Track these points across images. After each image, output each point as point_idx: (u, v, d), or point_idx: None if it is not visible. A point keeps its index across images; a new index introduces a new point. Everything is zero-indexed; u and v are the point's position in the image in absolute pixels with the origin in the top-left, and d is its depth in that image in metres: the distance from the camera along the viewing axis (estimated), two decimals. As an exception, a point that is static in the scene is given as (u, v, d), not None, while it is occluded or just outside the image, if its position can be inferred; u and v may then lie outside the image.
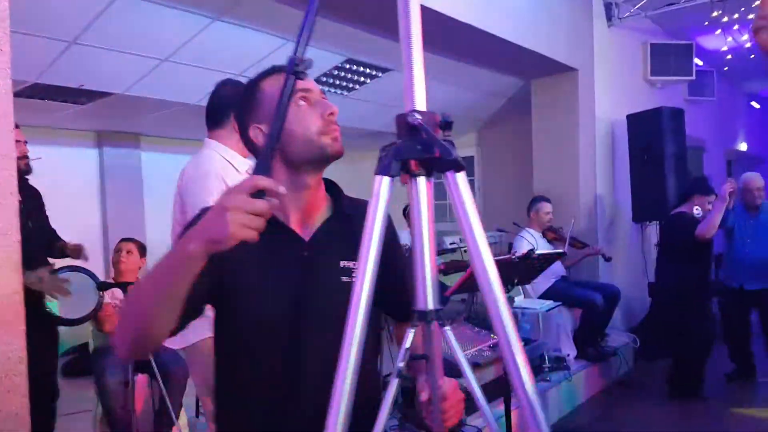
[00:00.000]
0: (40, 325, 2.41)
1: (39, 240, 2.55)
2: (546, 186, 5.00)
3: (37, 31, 3.02)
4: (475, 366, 3.08)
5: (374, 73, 4.63)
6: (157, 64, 3.73)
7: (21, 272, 1.70)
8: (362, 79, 4.68)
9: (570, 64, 4.68)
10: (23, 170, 2.47)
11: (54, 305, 2.45)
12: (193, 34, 3.45)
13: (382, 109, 5.49)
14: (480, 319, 4.30)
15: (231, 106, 1.85)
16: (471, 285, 2.65)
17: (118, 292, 2.72)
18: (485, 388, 2.90)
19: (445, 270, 5.37)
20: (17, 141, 2.46)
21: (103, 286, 2.53)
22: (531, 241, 4.13)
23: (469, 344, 3.34)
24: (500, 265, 2.55)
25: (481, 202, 7.27)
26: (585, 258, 4.53)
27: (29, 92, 3.79)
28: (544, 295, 4.29)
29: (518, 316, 4.06)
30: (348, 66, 4.38)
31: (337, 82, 4.63)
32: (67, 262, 2.63)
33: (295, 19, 3.30)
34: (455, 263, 5.13)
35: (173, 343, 1.94)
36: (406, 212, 5.73)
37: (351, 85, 4.75)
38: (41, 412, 2.46)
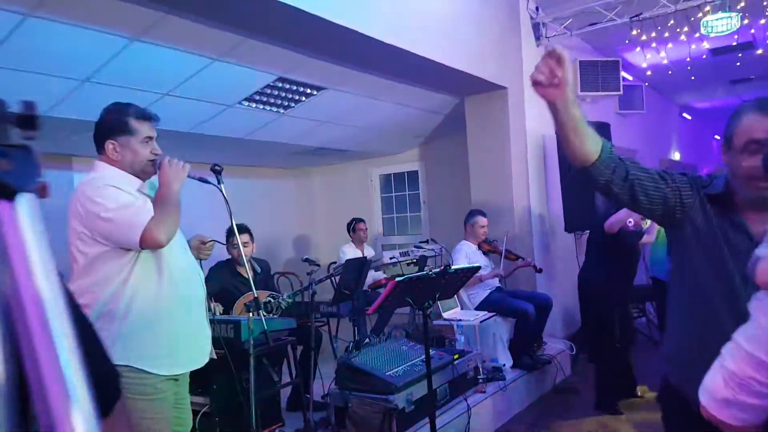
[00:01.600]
0: None
1: None
2: (482, 199, 5.11)
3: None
4: (408, 383, 3.09)
5: (309, 91, 4.65)
6: (78, 84, 3.64)
7: None
8: (297, 97, 4.69)
9: (499, 82, 4.82)
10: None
11: None
12: (112, 54, 3.39)
13: (321, 125, 5.51)
14: (419, 334, 4.34)
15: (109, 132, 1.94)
16: (395, 299, 2.67)
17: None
18: (416, 403, 2.90)
19: (385, 284, 5.41)
20: None
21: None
22: (468, 253, 4.21)
23: (403, 360, 3.35)
24: (420, 281, 2.61)
25: (426, 215, 7.35)
26: (518, 269, 4.64)
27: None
28: (481, 306, 4.36)
29: (454, 327, 4.11)
30: (281, 84, 4.38)
31: (272, 101, 4.62)
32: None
33: (221, 40, 3.28)
34: (395, 277, 5.16)
35: None
36: (352, 227, 5.75)
37: (286, 103, 4.75)
38: None
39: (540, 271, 4.65)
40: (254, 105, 4.63)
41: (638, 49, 5.58)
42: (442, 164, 7.00)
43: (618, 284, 3.95)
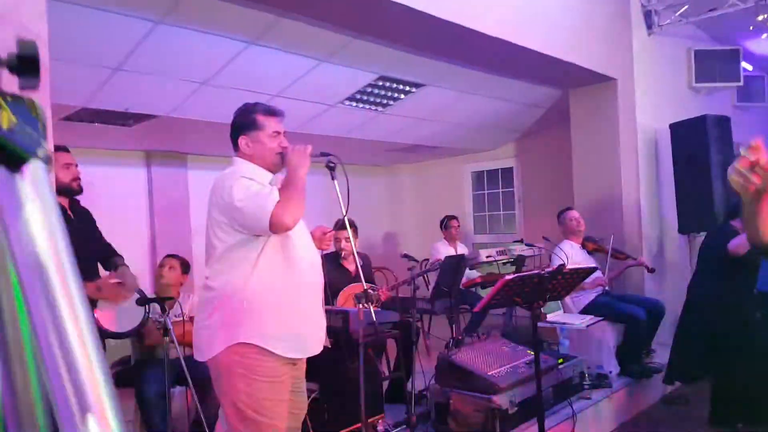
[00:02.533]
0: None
1: (92, 258, 2.69)
2: (587, 197, 4.89)
3: (83, 59, 3.20)
4: (510, 384, 3.03)
5: (408, 89, 4.67)
6: (197, 87, 3.89)
7: None
8: (396, 95, 4.73)
9: (608, 73, 4.59)
10: (75, 191, 2.62)
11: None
12: (229, 58, 3.58)
13: (418, 122, 5.52)
14: (518, 335, 4.24)
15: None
16: (503, 299, 2.62)
17: (157, 307, 2.82)
18: (520, 406, 2.84)
19: (482, 283, 5.33)
20: (68, 164, 2.62)
21: (142, 301, 2.63)
22: (569, 253, 4.04)
23: (505, 360, 3.28)
24: (530, 280, 2.54)
25: (521, 214, 7.16)
26: (627, 269, 4.39)
27: (78, 116, 4.00)
28: (586, 310, 4.18)
29: (557, 331, 3.97)
30: (381, 83, 4.43)
31: (372, 99, 4.69)
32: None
33: (328, 41, 3.38)
34: (492, 277, 5.08)
35: (200, 357, 2.00)
36: (444, 224, 5.72)
37: (385, 102, 4.80)
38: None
39: (653, 271, 4.37)
40: (354, 104, 4.73)
41: (765, 35, 5.09)
42: (540, 161, 6.78)
43: (737, 297, 3.62)
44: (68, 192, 2.61)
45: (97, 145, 5.07)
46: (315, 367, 2.89)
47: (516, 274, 2.47)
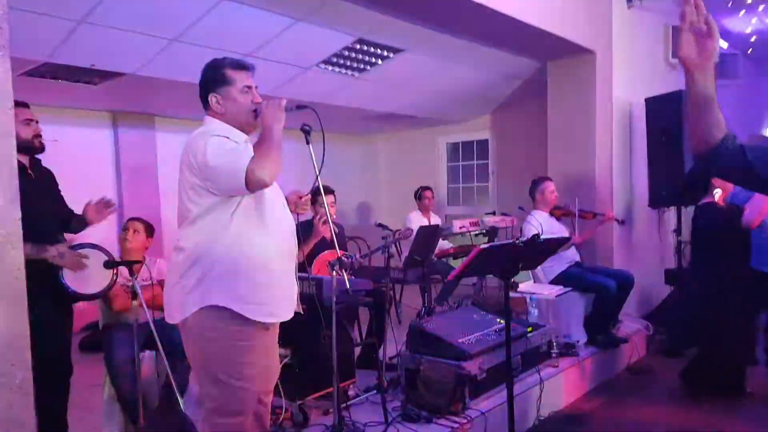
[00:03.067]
0: (55, 300, 2.45)
1: (54, 218, 2.58)
2: (561, 170, 4.92)
3: (45, 9, 3.02)
4: (480, 351, 3.07)
5: (386, 54, 4.57)
6: (167, 44, 3.73)
7: (23, 250, 1.73)
8: (374, 60, 4.63)
9: (587, 45, 4.57)
10: (36, 148, 2.49)
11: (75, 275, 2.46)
12: (200, 14, 3.43)
13: (395, 90, 5.44)
14: (488, 304, 4.29)
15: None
16: (477, 268, 2.62)
17: (125, 270, 2.74)
18: (488, 372, 2.87)
19: (454, 254, 5.35)
20: (29, 120, 2.48)
21: (110, 264, 2.55)
22: (540, 223, 4.08)
23: (475, 328, 3.31)
24: (505, 250, 2.54)
25: (494, 187, 7.19)
26: (599, 227, 4.45)
27: (41, 72, 3.81)
28: (556, 280, 4.24)
29: (527, 300, 4.02)
30: (359, 46, 4.33)
31: (348, 63, 4.59)
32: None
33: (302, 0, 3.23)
34: (464, 248, 5.12)
35: (171, 319, 1.96)
36: (418, 194, 5.71)
37: (362, 66, 4.70)
38: (55, 387, 2.52)
39: (623, 222, 4.47)
40: (330, 68, 4.61)
41: (742, 12, 5.13)
42: (515, 133, 6.78)
43: (739, 276, 3.70)
44: (29, 149, 2.48)
45: (61, 104, 4.86)
46: (288, 332, 2.87)
47: (491, 244, 2.46)
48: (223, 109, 1.99)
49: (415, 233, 4.17)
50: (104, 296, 2.73)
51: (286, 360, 2.87)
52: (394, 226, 6.50)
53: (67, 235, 2.69)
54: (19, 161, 2.52)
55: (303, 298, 2.83)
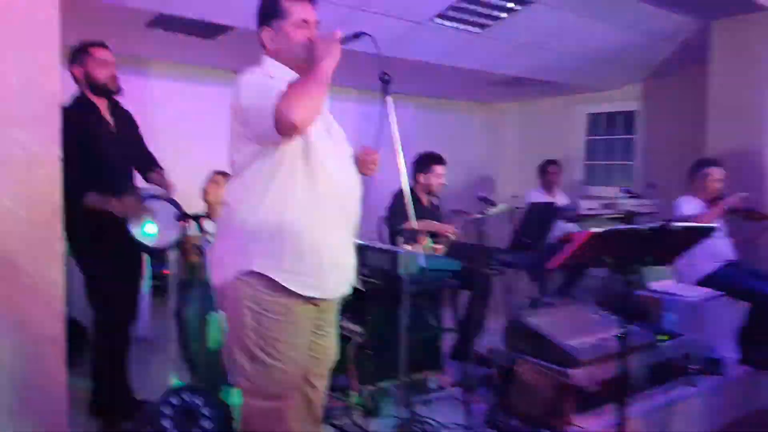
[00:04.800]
0: (124, 249, 2.40)
1: (126, 164, 2.53)
2: (722, 150, 4.08)
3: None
4: (593, 359, 2.53)
5: (512, 5, 4.00)
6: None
7: (59, 196, 1.62)
8: (497, 13, 4.07)
9: (763, 1, 3.66)
10: (111, 91, 2.44)
11: (145, 230, 2.42)
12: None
13: (524, 50, 4.82)
14: (616, 303, 3.64)
15: None
16: (588, 257, 2.10)
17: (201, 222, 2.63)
18: (603, 385, 2.34)
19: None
20: (104, 61, 2.42)
21: (182, 217, 2.44)
22: (690, 212, 3.32)
23: (591, 330, 2.76)
24: (626, 236, 1.99)
25: (642, 165, 6.26)
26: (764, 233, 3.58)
27: (157, 24, 3.84)
28: (705, 282, 3.49)
29: (662, 302, 3.33)
30: (479, -3, 3.81)
31: (468, 17, 4.08)
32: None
33: None
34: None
35: (213, 281, 1.75)
36: (542, 168, 5.08)
37: (485, 21, 4.17)
38: (115, 335, 2.50)
39: None
40: (448, 23, 4.15)
41: None
42: (669, 104, 5.81)
43: None
44: (104, 92, 2.42)
45: (183, 60, 4.98)
46: (361, 308, 2.60)
47: (607, 228, 1.93)
48: (276, 46, 1.71)
49: (526, 209, 3.64)
50: (179, 249, 2.66)
51: (359, 340, 2.59)
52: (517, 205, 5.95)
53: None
54: (93, 103, 2.51)
55: (376, 272, 2.54)
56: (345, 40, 1.67)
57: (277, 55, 1.74)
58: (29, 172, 1.57)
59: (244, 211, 1.67)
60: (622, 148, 6.59)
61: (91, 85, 2.37)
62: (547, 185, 4.99)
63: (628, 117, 6.45)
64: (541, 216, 3.57)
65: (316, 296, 1.70)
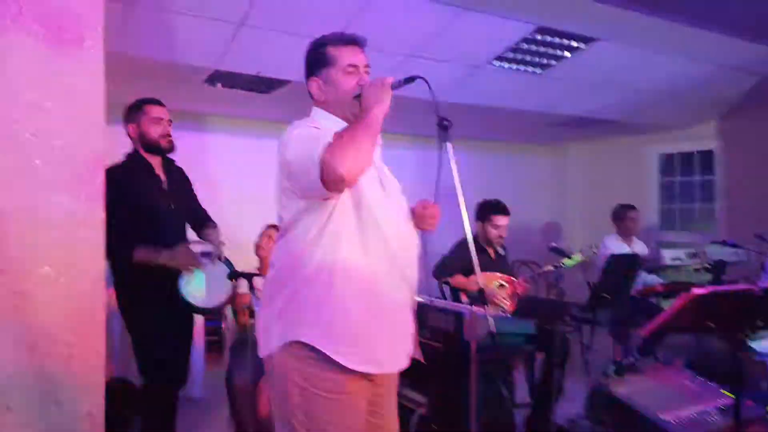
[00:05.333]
0: (174, 308, 2.31)
1: (179, 222, 2.47)
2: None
3: (205, 12, 3.00)
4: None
5: (574, 44, 3.81)
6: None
7: (102, 260, 1.53)
8: (559, 52, 3.89)
9: None
10: (165, 149, 2.41)
11: (195, 286, 2.32)
12: (354, 10, 3.13)
13: (588, 89, 4.59)
14: (712, 365, 3.20)
15: None
16: (688, 321, 1.79)
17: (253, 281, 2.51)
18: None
19: (664, 293, 4.25)
20: (159, 118, 2.40)
21: (233, 275, 2.33)
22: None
23: (688, 401, 2.39)
24: (734, 297, 1.68)
25: (724, 209, 5.76)
26: None
27: (215, 79, 3.91)
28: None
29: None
30: (540, 37, 3.65)
31: (528, 58, 3.92)
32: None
33: None
34: (679, 285, 4.02)
35: (260, 351, 1.59)
36: (618, 214, 4.71)
37: (546, 61, 4.00)
38: (162, 397, 2.37)
39: None
40: (507, 65, 4.00)
41: None
42: (753, 142, 5.35)
43: None
44: (157, 150, 2.39)
45: (240, 114, 5.06)
46: (423, 375, 2.36)
47: (711, 288, 1.64)
48: (324, 96, 1.60)
49: (605, 261, 3.32)
50: (233, 310, 2.54)
51: (421, 411, 2.34)
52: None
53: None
54: (145, 160, 2.48)
55: (438, 334, 2.31)
56: (396, 85, 1.54)
57: (326, 105, 1.63)
58: (71, 235, 1.49)
59: (289, 273, 1.52)
60: (700, 190, 6.12)
61: (145, 142, 2.36)
62: (625, 232, 4.60)
63: (705, 157, 6.01)
64: (622, 268, 3.24)
65: (371, 371, 1.50)
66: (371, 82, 1.55)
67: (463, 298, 3.16)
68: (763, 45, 3.92)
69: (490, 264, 3.28)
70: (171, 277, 2.24)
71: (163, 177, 2.42)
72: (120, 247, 2.08)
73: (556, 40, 3.70)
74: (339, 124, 1.59)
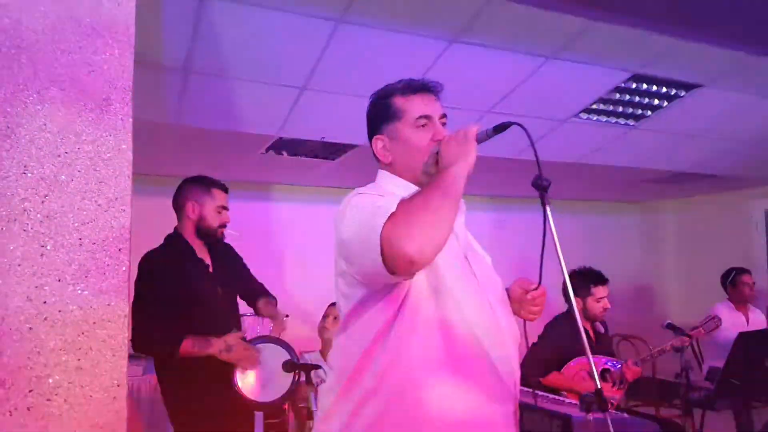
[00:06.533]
0: (231, 406, 2.01)
1: (229, 308, 2.19)
2: None
3: (267, 78, 2.85)
4: None
5: (674, 92, 3.38)
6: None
7: (124, 368, 1.25)
8: (656, 101, 3.47)
9: None
10: (216, 239, 2.17)
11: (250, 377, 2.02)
12: (429, 63, 2.89)
13: (687, 141, 4.09)
14: None
15: None
16: None
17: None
18: None
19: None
20: (222, 207, 2.19)
21: (289, 367, 2.00)
22: None
23: None
24: None
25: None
26: None
27: (278, 148, 3.75)
28: None
29: None
30: (635, 85, 3.26)
31: (620, 109, 3.52)
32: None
33: (560, 27, 2.22)
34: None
35: None
36: (731, 279, 4.07)
37: (640, 111, 3.58)
38: None
39: None
40: (596, 117, 3.61)
41: None
42: None
43: None
44: (212, 239, 2.16)
45: (305, 183, 4.90)
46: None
47: None
48: (391, 156, 1.31)
49: (733, 341, 2.75)
50: (291, 403, 2.19)
51: None
52: (689, 325, 4.86)
53: (251, 323, 2.28)
54: (186, 243, 2.21)
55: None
56: (484, 137, 1.21)
57: (393, 167, 1.33)
58: (87, 335, 1.21)
59: (348, 386, 1.18)
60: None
61: (201, 227, 2.14)
62: (740, 299, 3.96)
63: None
64: (751, 346, 2.66)
65: None
66: (451, 136, 1.23)
67: (569, 396, 2.66)
68: None
69: (591, 347, 2.78)
70: (223, 369, 1.95)
71: (207, 259, 2.18)
72: (163, 342, 1.83)
73: (654, 88, 3.29)
74: (409, 188, 1.26)
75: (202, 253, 2.17)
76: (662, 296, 6.32)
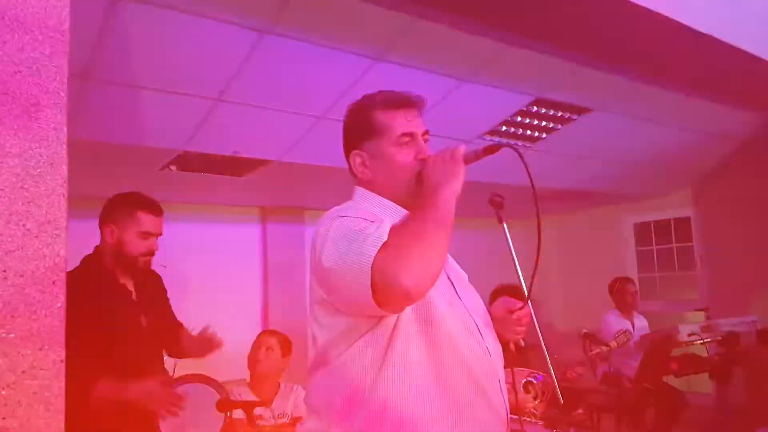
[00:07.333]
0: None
1: (152, 342, 1.96)
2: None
3: (177, 88, 2.64)
4: None
5: (567, 115, 3.67)
6: (313, 122, 3.21)
7: (63, 412, 1.05)
8: (552, 124, 3.74)
9: None
10: (140, 270, 1.93)
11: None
12: (350, 82, 2.85)
13: (574, 161, 4.45)
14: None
15: None
16: None
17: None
18: None
19: (677, 371, 3.96)
20: (150, 234, 1.94)
21: (223, 406, 1.82)
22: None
23: None
24: None
25: (705, 276, 5.66)
26: None
27: (181, 163, 3.49)
28: None
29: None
30: (535, 109, 3.49)
31: (520, 131, 3.75)
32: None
33: (475, 51, 2.39)
34: (692, 361, 3.75)
35: None
36: (616, 288, 4.46)
37: (537, 134, 3.83)
38: None
39: None
40: (498, 138, 3.81)
41: None
42: (731, 209, 5.35)
43: None
44: (129, 269, 1.92)
45: (208, 200, 4.61)
46: None
47: None
48: (371, 174, 1.25)
49: (644, 351, 3.00)
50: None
51: None
52: (570, 331, 5.25)
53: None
54: (107, 267, 1.97)
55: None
56: (474, 156, 1.21)
57: (372, 185, 1.27)
58: (18, 390, 1.00)
59: (329, 422, 1.10)
60: (679, 258, 6.04)
61: (119, 254, 1.88)
62: (625, 307, 4.35)
63: (681, 224, 5.99)
64: (658, 351, 2.92)
65: None
66: (437, 155, 1.21)
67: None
68: (743, 110, 3.93)
69: (513, 360, 2.88)
70: (145, 417, 1.72)
71: (130, 285, 1.93)
72: (74, 383, 1.57)
73: (551, 112, 3.55)
74: (390, 208, 1.22)
75: (124, 278, 1.92)
76: (545, 304, 6.78)
